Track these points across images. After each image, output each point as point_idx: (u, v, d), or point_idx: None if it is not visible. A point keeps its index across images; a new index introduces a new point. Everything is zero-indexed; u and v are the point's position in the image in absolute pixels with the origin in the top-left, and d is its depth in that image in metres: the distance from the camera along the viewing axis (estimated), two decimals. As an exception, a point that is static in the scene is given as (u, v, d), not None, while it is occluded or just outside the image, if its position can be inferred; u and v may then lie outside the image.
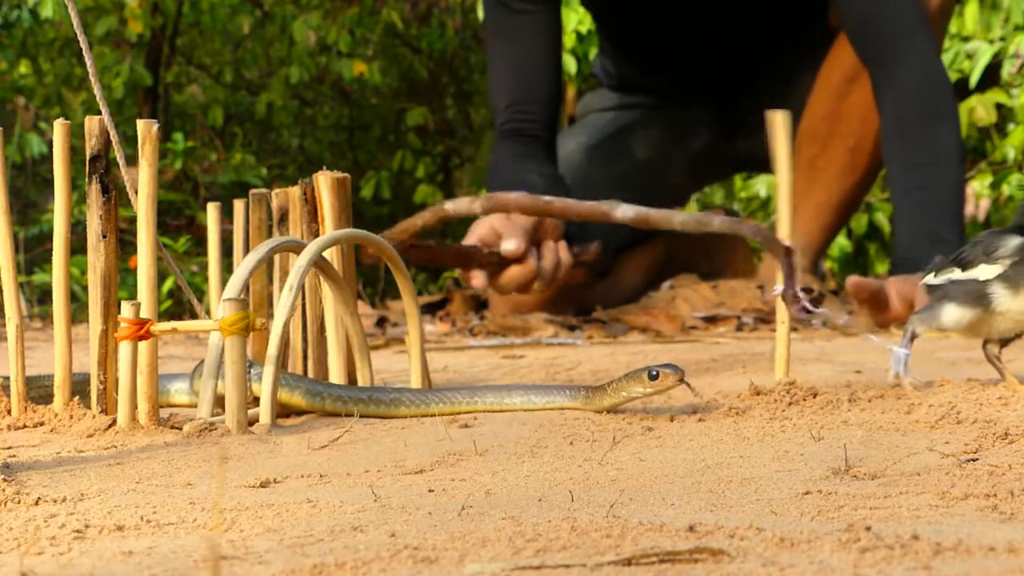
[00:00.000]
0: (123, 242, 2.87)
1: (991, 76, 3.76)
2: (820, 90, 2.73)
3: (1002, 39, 3.73)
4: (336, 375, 1.54)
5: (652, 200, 2.91)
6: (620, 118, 2.96)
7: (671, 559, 0.71)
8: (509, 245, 2.33)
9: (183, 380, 1.54)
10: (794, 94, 2.80)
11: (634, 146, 2.92)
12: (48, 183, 5.18)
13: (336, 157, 5.69)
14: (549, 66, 2.63)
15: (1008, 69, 3.84)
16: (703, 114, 2.93)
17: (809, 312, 1.43)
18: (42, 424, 1.33)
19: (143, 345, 1.30)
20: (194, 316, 1.94)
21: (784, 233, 1.46)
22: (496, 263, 2.35)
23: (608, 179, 2.84)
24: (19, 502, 0.96)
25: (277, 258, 1.57)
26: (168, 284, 3.78)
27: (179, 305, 3.82)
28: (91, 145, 1.33)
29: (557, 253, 2.40)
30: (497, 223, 2.40)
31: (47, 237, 4.41)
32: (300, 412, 1.43)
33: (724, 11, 2.73)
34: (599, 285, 2.79)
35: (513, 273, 2.34)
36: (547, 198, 2.07)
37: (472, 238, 2.39)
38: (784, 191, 1.47)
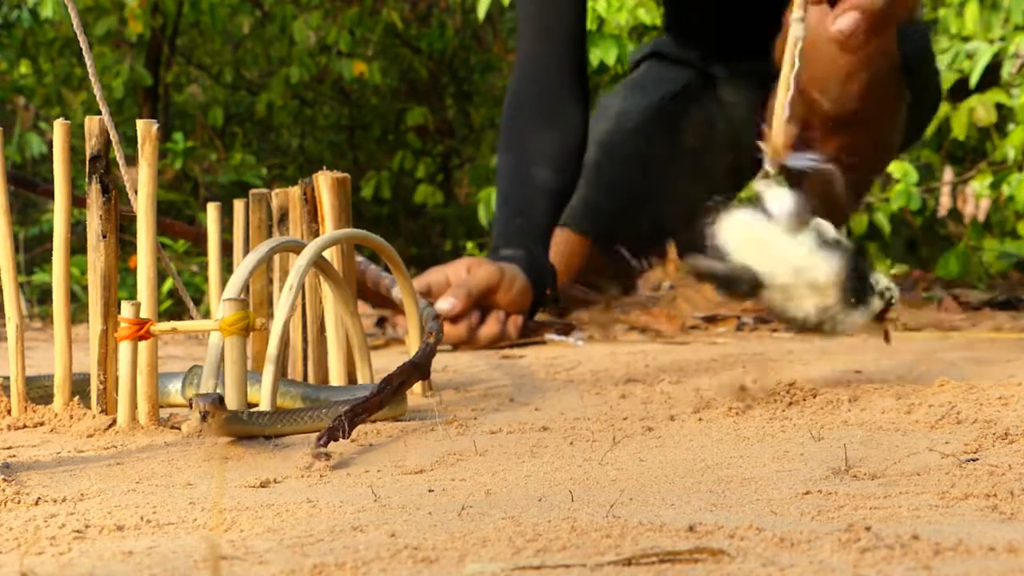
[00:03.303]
0: (123, 242, 2.87)
1: (991, 76, 3.76)
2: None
3: (1002, 39, 3.73)
4: (336, 375, 1.54)
5: (691, 189, 2.81)
6: (676, 79, 2.81)
7: (671, 559, 0.71)
8: (443, 304, 2.17)
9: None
10: None
11: (684, 124, 2.79)
12: (48, 183, 5.17)
13: (336, 157, 5.69)
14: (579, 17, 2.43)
15: (1008, 69, 3.84)
16: (748, 95, 2.82)
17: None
18: (42, 424, 1.33)
19: (143, 345, 1.31)
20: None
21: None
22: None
23: (648, 158, 2.75)
24: (19, 502, 0.96)
25: (277, 258, 1.57)
26: (168, 284, 3.78)
27: (179, 305, 3.82)
28: (91, 145, 1.33)
29: (503, 326, 2.24)
30: (453, 274, 2.27)
31: (47, 237, 4.41)
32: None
33: None
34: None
35: (445, 330, 2.14)
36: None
37: (421, 283, 2.27)
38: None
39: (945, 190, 4.12)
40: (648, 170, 2.73)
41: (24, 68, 5.09)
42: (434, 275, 2.30)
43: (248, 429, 1.23)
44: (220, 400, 1.16)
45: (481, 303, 2.25)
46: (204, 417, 1.14)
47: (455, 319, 2.21)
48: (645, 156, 2.74)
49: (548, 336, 2.31)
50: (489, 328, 2.24)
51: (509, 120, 2.48)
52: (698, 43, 2.83)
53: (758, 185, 1.40)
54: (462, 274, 2.27)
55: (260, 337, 1.59)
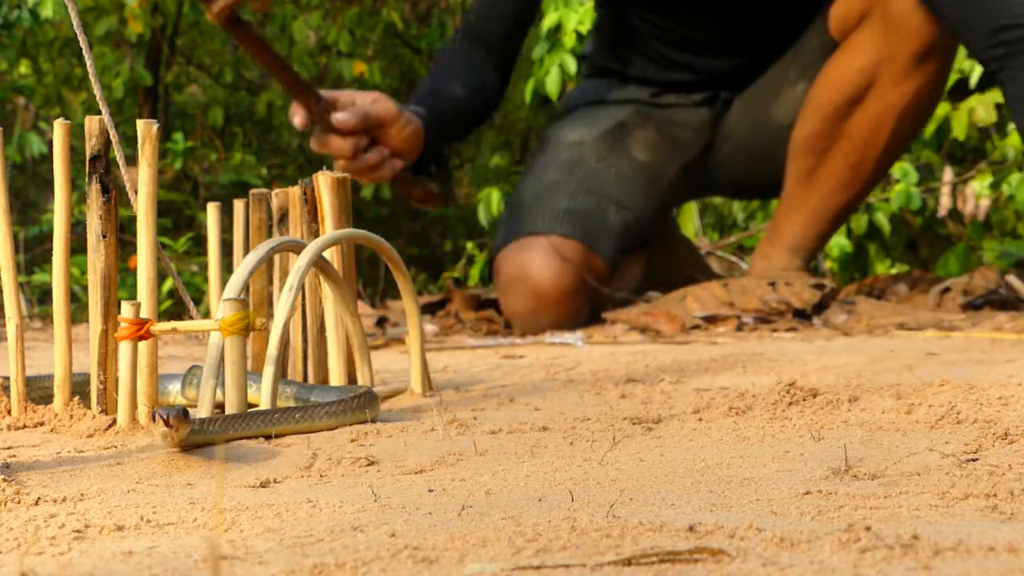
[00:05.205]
0: (123, 242, 2.87)
1: (991, 76, 3.75)
2: (818, 108, 2.68)
3: (1002, 39, 3.72)
4: (336, 375, 1.54)
5: (651, 200, 2.88)
6: (616, 113, 2.90)
7: (671, 559, 0.71)
8: (341, 116, 2.36)
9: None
10: (783, 104, 2.80)
11: (632, 143, 2.87)
12: (48, 183, 5.18)
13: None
14: None
15: (1008, 69, 3.83)
16: (694, 120, 2.89)
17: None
18: (42, 424, 1.33)
19: (143, 345, 1.31)
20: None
21: None
22: (325, 121, 2.34)
23: (611, 171, 2.80)
24: (19, 502, 0.96)
25: (277, 258, 1.58)
26: (168, 284, 3.78)
27: (179, 305, 3.82)
28: (91, 145, 1.33)
29: (384, 160, 2.42)
30: (361, 97, 2.44)
31: (47, 237, 4.41)
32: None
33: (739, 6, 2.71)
34: (608, 285, 2.76)
35: (331, 141, 2.36)
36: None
37: (330, 93, 2.42)
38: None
39: (945, 190, 4.12)
40: (604, 182, 2.79)
41: (24, 68, 5.09)
42: (346, 94, 2.46)
43: (202, 438, 1.20)
44: (184, 413, 1.13)
45: (373, 132, 2.42)
46: (166, 434, 1.12)
47: (345, 135, 2.37)
48: (599, 171, 2.81)
49: (548, 337, 2.31)
50: (372, 156, 2.40)
51: (441, 57, 2.79)
52: (650, 74, 2.91)
53: None
54: (369, 100, 2.44)
55: (260, 337, 1.59)
